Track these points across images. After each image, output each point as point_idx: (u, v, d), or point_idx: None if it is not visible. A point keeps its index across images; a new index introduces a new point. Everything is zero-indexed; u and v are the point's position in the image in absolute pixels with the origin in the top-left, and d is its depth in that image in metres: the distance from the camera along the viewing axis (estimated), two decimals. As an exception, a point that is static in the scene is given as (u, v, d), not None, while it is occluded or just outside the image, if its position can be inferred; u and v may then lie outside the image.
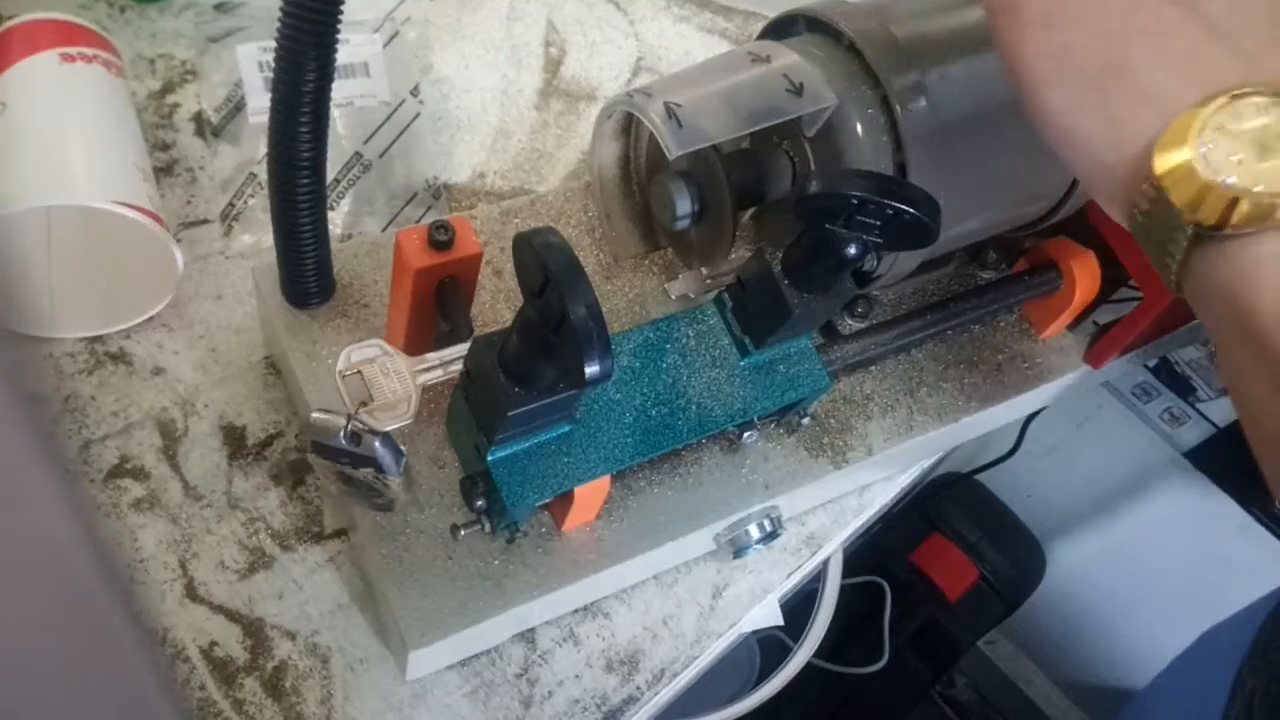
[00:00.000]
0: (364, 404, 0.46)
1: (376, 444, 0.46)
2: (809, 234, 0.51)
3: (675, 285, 0.63)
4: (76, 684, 0.22)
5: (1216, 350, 0.39)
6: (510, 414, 0.47)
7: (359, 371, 0.46)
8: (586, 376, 0.41)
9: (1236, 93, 0.36)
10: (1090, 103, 0.39)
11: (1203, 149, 0.36)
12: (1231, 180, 0.36)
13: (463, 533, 0.54)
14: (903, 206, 0.46)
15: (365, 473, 0.47)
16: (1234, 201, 0.35)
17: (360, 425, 0.45)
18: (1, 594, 0.19)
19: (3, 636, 0.20)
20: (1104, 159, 0.39)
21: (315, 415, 0.45)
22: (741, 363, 0.57)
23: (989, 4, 0.42)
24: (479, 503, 0.52)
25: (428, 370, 0.48)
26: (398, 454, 0.46)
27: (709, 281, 0.58)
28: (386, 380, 0.47)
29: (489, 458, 0.51)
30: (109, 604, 0.21)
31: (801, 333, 0.57)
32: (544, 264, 0.41)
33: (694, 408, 0.55)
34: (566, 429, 0.53)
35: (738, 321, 0.57)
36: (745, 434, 0.59)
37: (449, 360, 0.49)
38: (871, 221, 0.47)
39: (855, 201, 0.46)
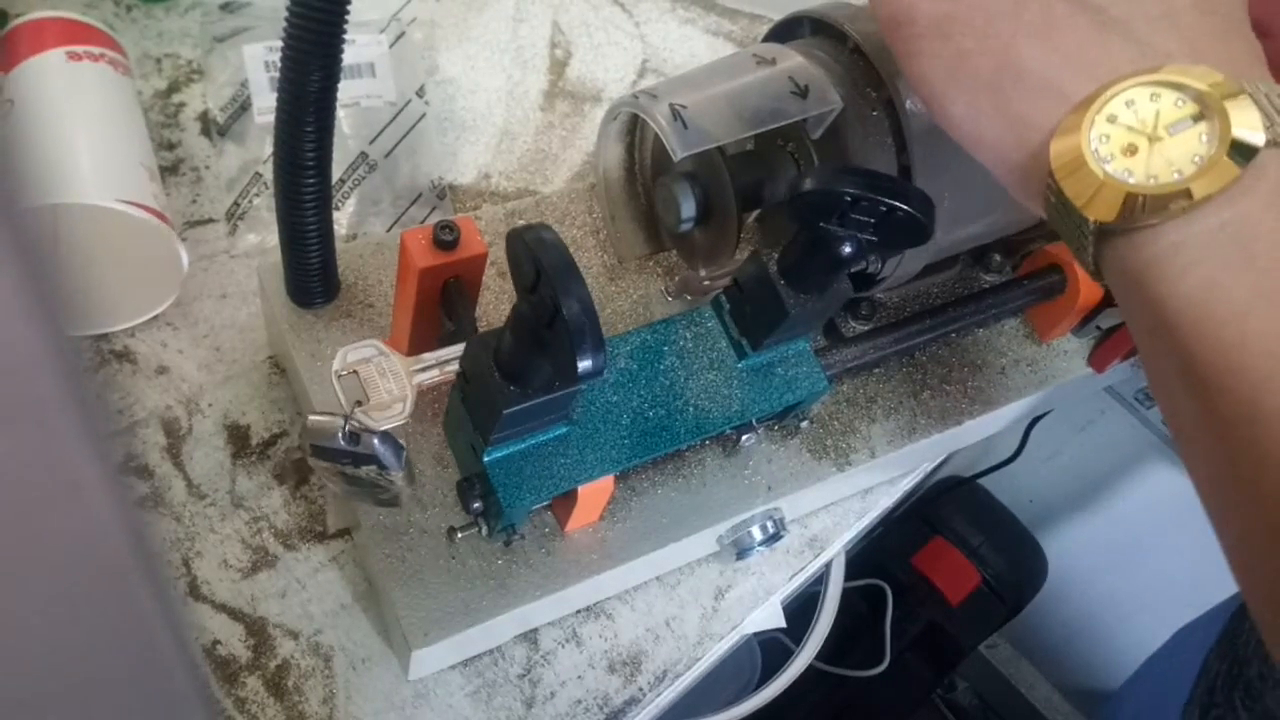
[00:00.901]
0: (359, 404, 0.46)
1: (375, 442, 0.45)
2: (804, 233, 0.51)
3: (674, 288, 0.63)
4: (114, 681, 0.22)
5: (1134, 337, 0.39)
6: (505, 412, 0.47)
7: (355, 372, 0.46)
8: (579, 371, 0.41)
9: (1129, 81, 0.36)
10: (990, 105, 0.39)
11: (1094, 142, 0.36)
12: (1123, 173, 0.36)
13: (460, 535, 0.54)
14: (896, 203, 0.46)
15: (368, 471, 0.46)
16: (1128, 196, 0.36)
17: (357, 425, 0.45)
18: (51, 587, 0.19)
19: (50, 632, 0.20)
20: (1011, 158, 0.39)
21: (312, 418, 0.45)
22: (739, 365, 0.57)
23: (883, 22, 0.42)
24: (475, 505, 0.52)
25: (424, 370, 0.48)
26: (398, 449, 0.46)
27: (706, 284, 0.58)
28: (383, 380, 0.46)
29: (485, 458, 0.51)
30: (151, 603, 0.21)
31: (799, 334, 0.57)
32: (536, 259, 0.41)
33: (691, 410, 0.55)
34: (563, 430, 0.52)
35: (735, 323, 0.57)
36: (744, 436, 0.58)
37: (445, 360, 0.49)
38: (866, 219, 0.47)
39: (849, 199, 0.46)
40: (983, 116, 0.40)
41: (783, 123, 0.53)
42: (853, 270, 0.59)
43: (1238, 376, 0.34)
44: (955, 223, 0.57)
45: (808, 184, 0.46)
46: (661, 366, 0.56)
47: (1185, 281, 0.35)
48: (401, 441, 0.47)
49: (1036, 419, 0.99)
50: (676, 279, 0.58)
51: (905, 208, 0.46)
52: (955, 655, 1.48)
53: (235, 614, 0.59)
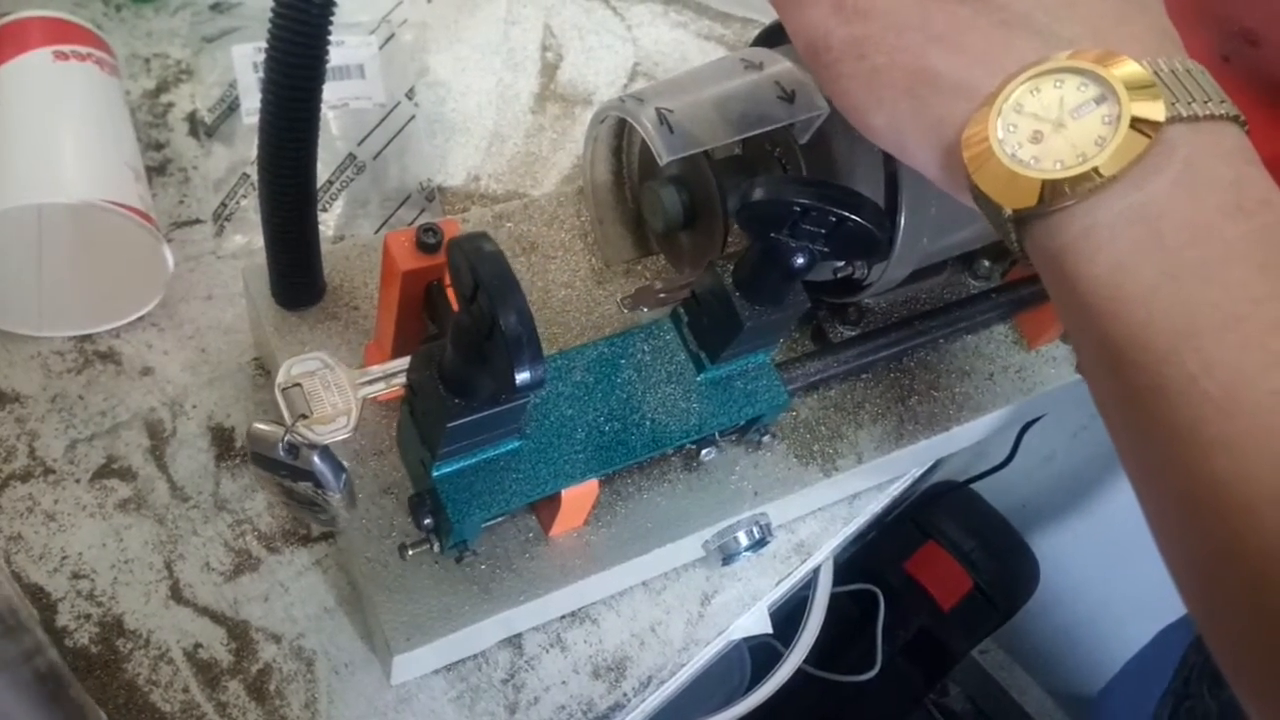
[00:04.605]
0: (303, 417, 0.45)
1: (315, 458, 0.44)
2: (756, 244, 0.50)
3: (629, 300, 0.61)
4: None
5: (1059, 317, 0.40)
6: (450, 425, 0.46)
7: (298, 384, 0.46)
8: (517, 384, 0.41)
9: (1030, 70, 0.37)
10: (909, 113, 0.40)
11: (1001, 132, 0.37)
12: (1030, 160, 0.37)
13: (410, 552, 0.53)
14: (846, 214, 0.45)
15: (305, 487, 0.46)
16: (1035, 183, 0.36)
17: (298, 438, 0.44)
18: None
19: None
20: (936, 159, 0.40)
21: (256, 425, 0.44)
22: (698, 378, 0.56)
23: (801, 51, 0.44)
24: (426, 520, 0.51)
25: (370, 383, 0.47)
26: (338, 469, 0.45)
27: (662, 296, 0.57)
28: (327, 393, 0.45)
29: (433, 473, 0.50)
30: None
31: (758, 347, 0.56)
32: (474, 270, 0.41)
33: (649, 424, 0.54)
34: (516, 444, 0.52)
35: (694, 336, 0.56)
36: (704, 450, 0.58)
37: (391, 373, 0.48)
38: (817, 230, 0.47)
39: (798, 209, 0.46)
40: (904, 125, 0.41)
41: (769, 127, 0.53)
42: (838, 275, 0.59)
43: (1146, 353, 0.35)
44: (943, 228, 0.57)
45: (756, 194, 0.46)
46: (618, 379, 0.55)
47: (1097, 263, 0.36)
48: (344, 463, 0.46)
49: (1029, 424, 0.99)
50: (634, 290, 0.58)
51: (856, 218, 0.45)
52: (947, 660, 1.48)
53: (217, 617, 0.59)
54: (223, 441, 0.63)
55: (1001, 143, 0.37)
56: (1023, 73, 0.37)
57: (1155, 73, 0.36)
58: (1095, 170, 0.35)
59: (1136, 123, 0.35)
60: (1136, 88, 0.36)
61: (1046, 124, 0.37)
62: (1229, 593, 0.34)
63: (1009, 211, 0.37)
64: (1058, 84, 0.37)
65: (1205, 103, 0.36)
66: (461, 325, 0.43)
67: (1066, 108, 0.36)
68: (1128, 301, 0.35)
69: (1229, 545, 0.34)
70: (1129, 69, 0.36)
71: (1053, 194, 0.36)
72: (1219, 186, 0.35)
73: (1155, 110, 0.35)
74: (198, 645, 0.58)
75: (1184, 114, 0.35)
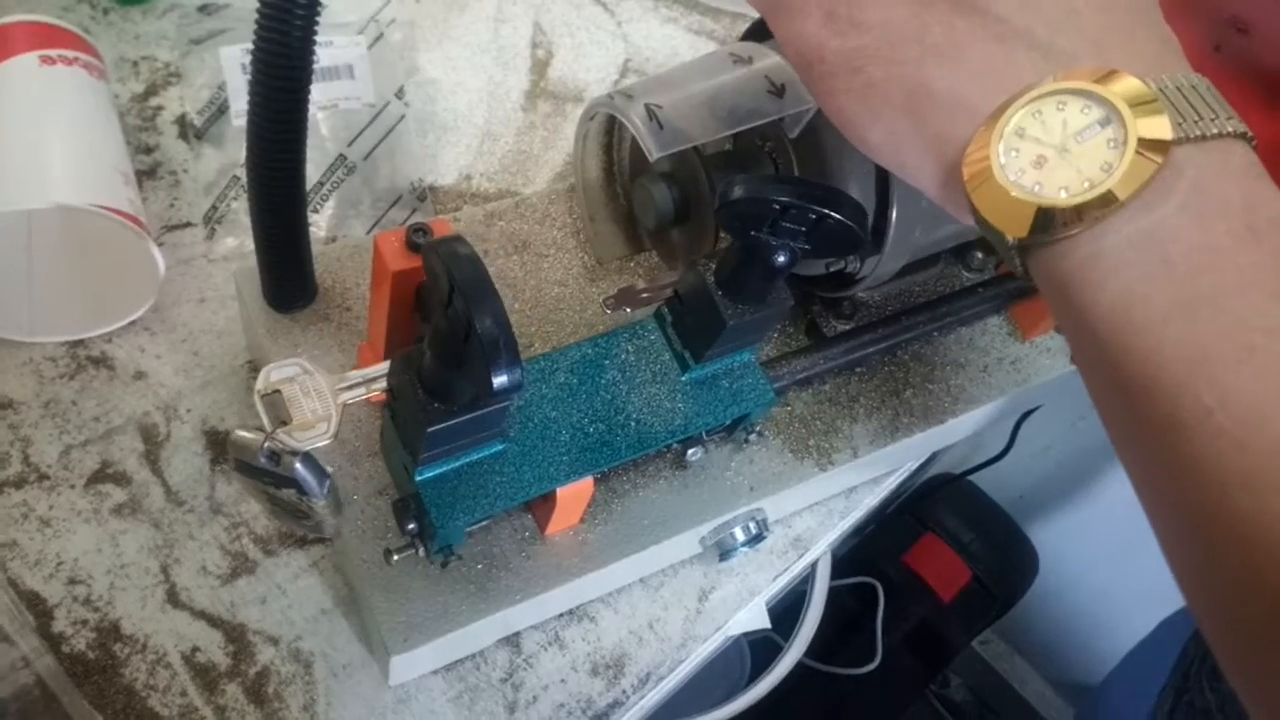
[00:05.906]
0: (284, 423, 0.44)
1: (297, 464, 0.44)
2: (736, 242, 0.50)
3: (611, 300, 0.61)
4: None
5: (1067, 341, 0.39)
6: (430, 430, 0.46)
7: (278, 390, 0.45)
8: (494, 387, 0.40)
9: (1031, 93, 0.36)
10: (907, 130, 0.39)
11: (1003, 157, 0.36)
12: (1034, 187, 0.36)
13: (396, 557, 0.53)
14: (827, 211, 0.45)
15: (289, 494, 0.45)
16: (1039, 210, 0.35)
17: (279, 445, 0.44)
18: None
19: None
20: (936, 177, 0.39)
21: (238, 433, 0.44)
22: (683, 378, 0.56)
23: (794, 63, 0.42)
24: (410, 525, 0.51)
25: (349, 389, 0.47)
26: (321, 475, 0.45)
27: (645, 296, 0.57)
28: (306, 400, 0.45)
29: (416, 478, 0.50)
30: None
31: (742, 346, 0.56)
32: (449, 273, 0.41)
33: (634, 424, 0.54)
34: (499, 447, 0.51)
35: (677, 335, 0.56)
36: (690, 450, 0.58)
37: (371, 378, 0.47)
38: (797, 228, 0.46)
39: (778, 207, 0.45)
40: (902, 142, 0.39)
41: (759, 122, 0.53)
42: (830, 270, 0.58)
43: (1158, 384, 0.34)
44: (935, 221, 0.57)
45: (736, 192, 0.45)
46: (602, 381, 0.55)
47: (1105, 291, 0.35)
48: (328, 468, 0.45)
49: (1025, 415, 0.99)
50: (616, 291, 0.57)
51: (836, 215, 0.45)
52: (948, 652, 1.48)
53: (214, 621, 0.59)
54: (217, 445, 0.63)
55: (1004, 168, 0.36)
56: (1022, 95, 0.36)
57: (1160, 89, 0.35)
58: (1111, 193, 0.34)
59: (1144, 144, 0.34)
60: (1139, 105, 0.34)
61: (1050, 149, 0.35)
62: (1250, 623, 0.34)
63: (1012, 240, 0.36)
64: (1060, 106, 0.35)
65: (1212, 120, 0.35)
66: (439, 329, 0.43)
67: (1070, 131, 0.35)
68: (1138, 331, 0.34)
69: (1249, 581, 0.33)
70: (1131, 86, 0.35)
71: (1059, 221, 0.35)
72: (1229, 209, 0.34)
73: (1161, 129, 0.34)
74: (195, 649, 0.58)
75: (1191, 134, 0.34)
